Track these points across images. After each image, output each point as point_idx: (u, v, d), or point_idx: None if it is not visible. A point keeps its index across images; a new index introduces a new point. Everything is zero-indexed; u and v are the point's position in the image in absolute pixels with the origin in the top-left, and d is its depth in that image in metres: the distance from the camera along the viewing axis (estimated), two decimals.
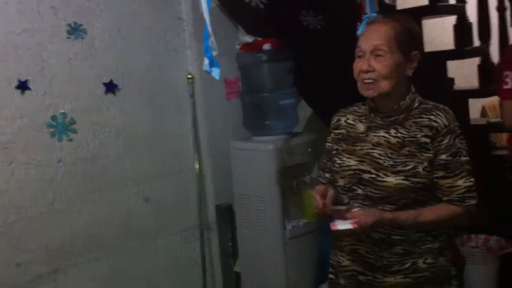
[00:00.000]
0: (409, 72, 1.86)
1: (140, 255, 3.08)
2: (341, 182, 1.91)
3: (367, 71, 1.81)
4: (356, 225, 1.71)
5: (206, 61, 2.56)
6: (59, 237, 2.79)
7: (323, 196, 1.84)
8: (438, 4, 3.35)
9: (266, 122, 3.15)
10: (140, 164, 3.08)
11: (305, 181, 3.09)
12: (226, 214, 3.26)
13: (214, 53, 2.56)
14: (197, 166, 3.29)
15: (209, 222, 3.36)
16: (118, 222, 3.00)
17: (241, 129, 3.23)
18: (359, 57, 1.85)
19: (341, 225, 1.74)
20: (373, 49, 1.80)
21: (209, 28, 2.54)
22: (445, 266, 1.90)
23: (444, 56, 3.32)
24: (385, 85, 1.82)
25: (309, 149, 3.09)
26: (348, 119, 2.00)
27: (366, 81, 1.83)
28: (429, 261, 1.86)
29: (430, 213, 1.81)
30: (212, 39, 2.54)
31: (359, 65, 1.84)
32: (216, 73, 2.60)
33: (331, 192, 1.87)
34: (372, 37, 1.82)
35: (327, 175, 2.04)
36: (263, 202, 2.98)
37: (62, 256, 2.80)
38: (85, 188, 2.87)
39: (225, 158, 3.16)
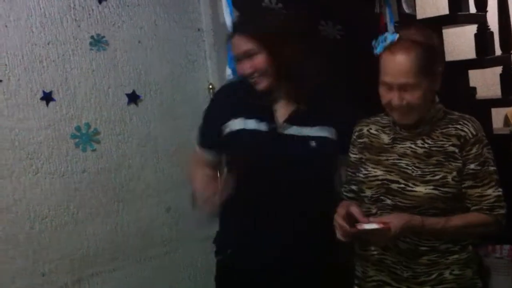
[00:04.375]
0: (437, 87, 1.83)
1: (163, 264, 3.09)
2: (368, 192, 1.89)
3: (400, 105, 1.78)
4: (383, 225, 1.67)
5: (229, 71, 2.59)
6: (83, 246, 2.81)
7: (348, 216, 1.77)
8: (459, 13, 3.34)
9: None
10: (162, 174, 3.10)
11: None
12: None
13: None
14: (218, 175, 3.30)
15: None
16: (141, 231, 3.02)
17: None
18: (387, 88, 1.79)
19: (367, 225, 1.70)
20: (401, 85, 1.75)
21: None
22: (472, 278, 1.88)
23: (466, 65, 3.31)
24: (420, 112, 1.80)
25: None
26: (370, 129, 1.99)
27: (400, 111, 1.80)
28: (455, 272, 1.84)
29: (459, 219, 1.79)
30: None
31: (388, 97, 1.79)
32: None
33: (355, 209, 1.79)
34: (397, 72, 1.75)
35: (353, 187, 2.01)
36: None
37: (86, 265, 2.82)
38: (109, 198, 2.90)
39: None
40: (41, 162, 2.69)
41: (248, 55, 2.00)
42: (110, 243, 2.90)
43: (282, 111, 2.09)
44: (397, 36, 1.77)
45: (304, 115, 2.07)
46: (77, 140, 2.79)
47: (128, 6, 2.98)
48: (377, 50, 1.81)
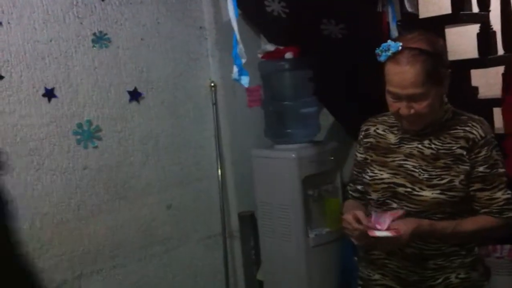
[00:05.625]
0: (446, 90, 1.79)
1: (163, 262, 3.10)
2: (374, 195, 1.86)
3: (408, 114, 1.75)
4: (395, 233, 1.65)
5: (235, 69, 2.55)
6: (84, 243, 2.82)
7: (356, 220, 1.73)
8: (461, 12, 3.33)
9: (288, 131, 3.15)
10: (163, 171, 3.11)
11: (327, 189, 3.08)
12: (249, 222, 3.26)
13: (243, 60, 2.55)
14: (219, 173, 3.31)
15: (232, 230, 3.37)
16: (142, 229, 3.03)
17: (263, 137, 3.24)
18: (394, 97, 1.75)
19: (379, 232, 1.68)
20: (408, 95, 1.71)
21: (238, 36, 2.54)
22: (478, 281, 1.86)
23: (468, 65, 3.29)
24: (429, 118, 1.77)
25: (331, 158, 3.09)
26: (377, 128, 1.95)
27: (408, 119, 1.77)
28: (461, 276, 1.81)
29: (469, 223, 1.77)
30: (241, 46, 2.54)
31: (396, 106, 1.76)
32: (245, 81, 2.59)
33: (361, 214, 1.76)
34: (404, 83, 1.70)
35: (359, 187, 1.98)
36: (286, 211, 2.98)
37: (86, 262, 2.82)
38: (110, 195, 2.90)
39: (247, 166, 3.17)
40: (42, 159, 2.69)
41: None
42: (111, 240, 2.91)
43: None
44: (400, 45, 1.71)
45: None
46: (78, 137, 2.79)
47: (130, 3, 2.98)
48: (381, 59, 1.76)
